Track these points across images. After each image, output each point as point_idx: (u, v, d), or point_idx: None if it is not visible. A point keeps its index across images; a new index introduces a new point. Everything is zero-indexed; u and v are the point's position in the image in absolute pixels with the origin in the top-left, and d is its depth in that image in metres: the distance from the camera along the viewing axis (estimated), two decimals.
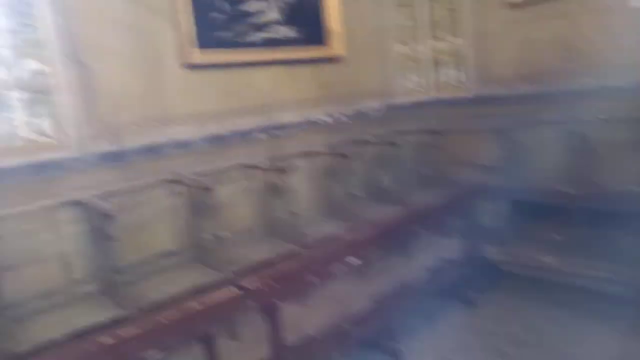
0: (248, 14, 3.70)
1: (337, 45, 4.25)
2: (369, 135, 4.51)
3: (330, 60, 4.27)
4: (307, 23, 4.07)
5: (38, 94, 2.80)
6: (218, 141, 3.60)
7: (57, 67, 2.86)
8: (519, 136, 4.15)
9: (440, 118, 4.81)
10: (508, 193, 3.89)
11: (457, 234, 3.54)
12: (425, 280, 3.18)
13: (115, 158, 3.11)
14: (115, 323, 2.59)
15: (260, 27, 3.77)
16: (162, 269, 3.25)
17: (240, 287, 1.92)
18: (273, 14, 3.84)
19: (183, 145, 3.42)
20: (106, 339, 1.60)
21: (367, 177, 4.46)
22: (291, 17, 3.95)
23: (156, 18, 3.24)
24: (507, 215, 3.86)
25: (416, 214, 3.11)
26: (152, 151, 3.27)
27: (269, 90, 3.90)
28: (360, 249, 2.42)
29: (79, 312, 2.74)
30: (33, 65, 2.77)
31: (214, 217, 3.25)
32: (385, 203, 4.32)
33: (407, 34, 4.87)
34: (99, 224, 2.81)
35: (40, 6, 2.76)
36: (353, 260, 2.33)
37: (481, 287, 3.54)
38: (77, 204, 2.92)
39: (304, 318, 2.54)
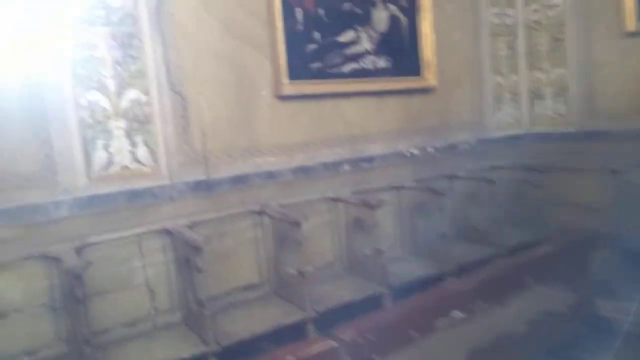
0: (340, 45, 3.62)
1: (428, 75, 4.07)
2: (460, 169, 4.24)
3: (421, 91, 4.09)
4: (399, 53, 3.93)
5: (136, 122, 2.85)
6: (304, 172, 3.51)
7: (155, 97, 2.90)
8: (633, 177, 3.72)
9: (537, 153, 4.46)
10: (621, 241, 3.46)
11: (563, 286, 3.17)
12: (528, 336, 2.83)
13: (204, 187, 3.09)
14: None
15: (351, 58, 3.68)
16: (244, 302, 3.16)
17: (336, 339, 1.74)
18: (364, 45, 3.74)
19: (270, 176, 3.36)
20: None
21: (457, 214, 4.17)
22: (382, 47, 3.83)
23: (252, 49, 3.23)
24: (621, 266, 3.42)
25: (520, 262, 2.80)
26: (239, 181, 3.23)
27: (357, 121, 3.78)
28: (464, 300, 2.18)
29: (162, 344, 2.69)
30: (133, 95, 2.82)
31: (298, 251, 3.12)
32: (477, 244, 4.03)
33: (503, 63, 4.60)
34: (187, 254, 2.77)
35: (144, 38, 2.83)
36: (457, 314, 2.09)
37: (592, 347, 3.12)
38: (166, 232, 2.91)
39: None
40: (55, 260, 2.53)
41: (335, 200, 3.57)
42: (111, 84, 2.74)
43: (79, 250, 2.59)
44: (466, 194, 4.20)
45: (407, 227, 3.95)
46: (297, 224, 2.94)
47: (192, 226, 2.95)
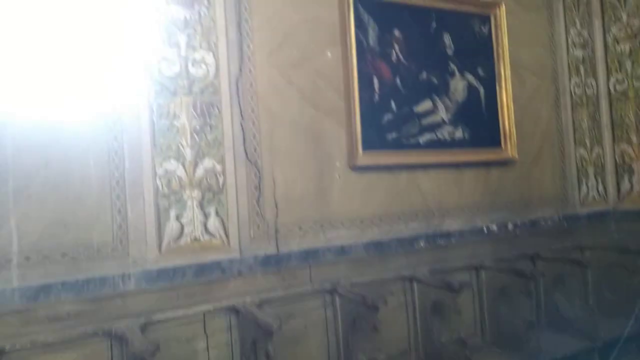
0: (416, 115, 3.48)
1: (508, 147, 3.83)
2: (543, 249, 3.88)
3: (501, 163, 3.84)
4: (476, 124, 3.74)
5: (209, 192, 2.74)
6: (377, 248, 3.27)
7: (230, 166, 2.81)
8: None
9: (629, 233, 4.04)
10: None
11: None
12: None
13: (273, 262, 2.90)
14: None
15: (427, 128, 3.51)
16: None
17: None
18: (441, 114, 3.58)
19: (341, 251, 3.14)
20: None
21: (542, 299, 3.77)
22: (460, 117, 3.66)
23: (327, 119, 3.14)
24: None
25: None
26: (309, 256, 3.03)
27: (433, 194, 3.55)
28: None
29: None
30: (209, 164, 2.74)
31: (372, 337, 2.84)
32: (566, 334, 3.58)
33: (586, 135, 4.31)
34: (254, 337, 2.55)
35: (223, 107, 2.78)
36: None
37: None
38: (232, 311, 2.71)
39: None
40: (120, 338, 2.36)
41: (411, 280, 3.29)
42: (188, 153, 2.68)
43: (144, 328, 2.42)
44: (551, 276, 3.80)
45: (488, 312, 3.57)
46: (375, 308, 2.67)
47: (260, 305, 2.74)
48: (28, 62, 2.29)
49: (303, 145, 3.06)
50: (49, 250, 2.32)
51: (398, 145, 3.39)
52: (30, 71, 2.30)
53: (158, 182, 2.58)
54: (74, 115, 2.38)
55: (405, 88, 3.42)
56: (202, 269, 2.69)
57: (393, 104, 3.37)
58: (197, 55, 2.70)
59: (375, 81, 3.30)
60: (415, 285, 3.31)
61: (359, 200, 3.25)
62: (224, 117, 2.78)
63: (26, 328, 2.24)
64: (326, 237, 3.11)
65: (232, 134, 2.82)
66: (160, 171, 2.59)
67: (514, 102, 3.86)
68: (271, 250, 2.92)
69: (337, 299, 3.01)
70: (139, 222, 2.52)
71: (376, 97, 3.30)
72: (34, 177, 2.28)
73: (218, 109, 2.77)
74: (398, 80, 3.40)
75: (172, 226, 2.62)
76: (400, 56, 3.41)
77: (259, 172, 2.91)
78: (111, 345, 2.41)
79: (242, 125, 2.85)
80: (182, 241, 2.65)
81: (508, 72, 3.85)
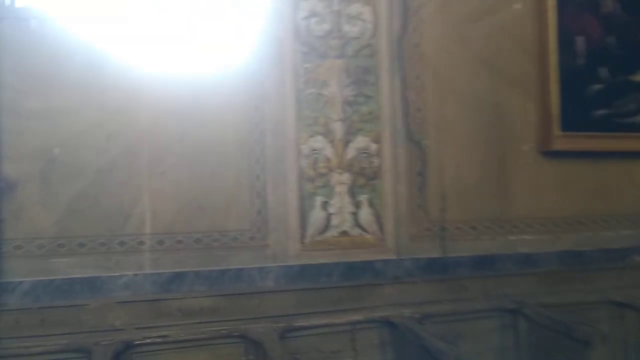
0: (634, 86, 2.60)
1: None
2: None
3: None
4: None
5: (361, 177, 2.26)
6: (576, 260, 2.51)
7: (387, 146, 2.29)
8: None
9: None
10: None
11: None
12: None
13: (438, 268, 2.33)
14: None
15: None
16: None
17: None
18: None
19: (527, 261, 2.45)
20: None
21: None
22: None
23: (512, 90, 2.45)
24: None
25: None
26: (485, 264, 2.39)
27: None
28: None
29: None
30: (362, 142, 2.25)
31: None
32: None
33: None
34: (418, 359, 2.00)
35: (382, 74, 2.27)
36: None
37: None
38: (387, 324, 2.19)
39: None
40: (256, 343, 1.99)
41: (625, 306, 2.44)
42: (338, 129, 2.22)
43: (282, 335, 2.02)
44: None
45: None
46: (585, 344, 1.93)
47: (421, 320, 2.18)
48: (164, 25, 2.03)
49: (480, 122, 2.42)
50: (182, 234, 2.04)
51: (608, 125, 2.57)
52: (167, 35, 2.03)
53: (303, 162, 2.17)
54: (211, 81, 2.07)
55: (621, 50, 2.58)
56: (351, 270, 2.22)
57: (603, 71, 2.55)
58: (352, 10, 2.23)
59: (579, 41, 2.52)
60: (627, 314, 2.46)
61: (551, 196, 2.51)
62: (383, 85, 2.28)
63: (157, 320, 1.99)
64: (506, 241, 2.44)
65: (392, 106, 2.30)
66: (305, 149, 2.17)
67: None
68: (435, 253, 2.34)
69: (522, 322, 2.31)
70: (280, 208, 2.14)
71: (580, 61, 2.52)
72: (168, 151, 2.02)
73: (375, 75, 2.27)
74: (611, 40, 2.57)
75: (317, 215, 2.19)
76: (615, 7, 2.57)
77: (423, 154, 2.34)
78: (246, 350, 2.06)
79: (404, 96, 2.31)
80: (329, 234, 2.21)
81: None
